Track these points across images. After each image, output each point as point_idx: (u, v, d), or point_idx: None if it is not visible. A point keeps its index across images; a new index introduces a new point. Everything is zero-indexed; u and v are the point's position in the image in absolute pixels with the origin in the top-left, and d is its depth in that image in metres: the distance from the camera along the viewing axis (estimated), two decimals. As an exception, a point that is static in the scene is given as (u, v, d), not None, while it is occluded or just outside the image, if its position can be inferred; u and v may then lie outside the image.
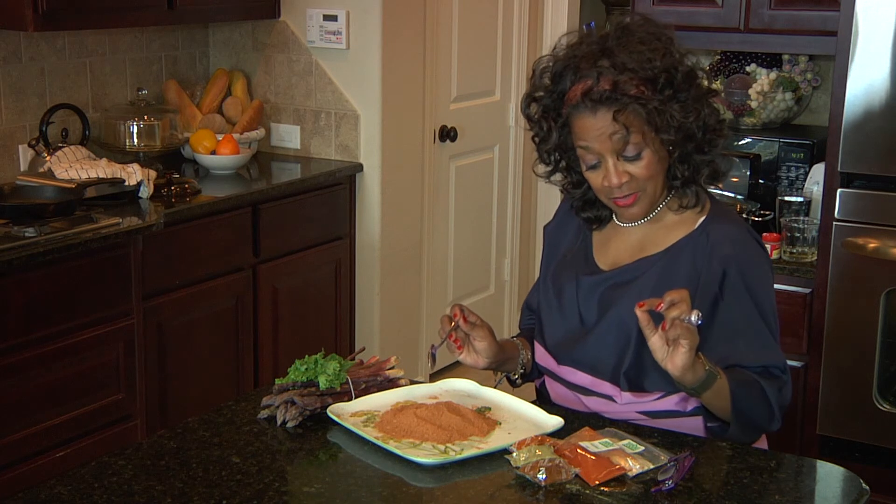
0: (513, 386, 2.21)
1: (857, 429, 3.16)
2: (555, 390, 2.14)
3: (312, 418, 1.97)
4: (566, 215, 2.22)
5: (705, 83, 2.03)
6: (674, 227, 2.06)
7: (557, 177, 2.14)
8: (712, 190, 2.14)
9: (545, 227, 2.28)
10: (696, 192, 2.04)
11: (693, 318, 1.80)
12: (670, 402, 2.01)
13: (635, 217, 2.06)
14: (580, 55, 1.98)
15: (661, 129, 1.95)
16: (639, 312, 1.81)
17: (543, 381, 2.20)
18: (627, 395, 2.02)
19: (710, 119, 2.01)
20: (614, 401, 2.03)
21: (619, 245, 2.10)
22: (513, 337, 2.24)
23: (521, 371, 2.18)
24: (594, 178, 2.02)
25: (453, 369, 4.34)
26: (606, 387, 2.03)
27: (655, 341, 1.82)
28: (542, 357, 2.15)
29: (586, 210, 2.14)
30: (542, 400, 2.17)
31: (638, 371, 2.00)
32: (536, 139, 2.09)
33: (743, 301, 1.98)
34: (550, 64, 2.03)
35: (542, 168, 2.14)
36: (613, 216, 2.13)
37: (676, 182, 2.03)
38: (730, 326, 1.98)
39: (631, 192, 2.00)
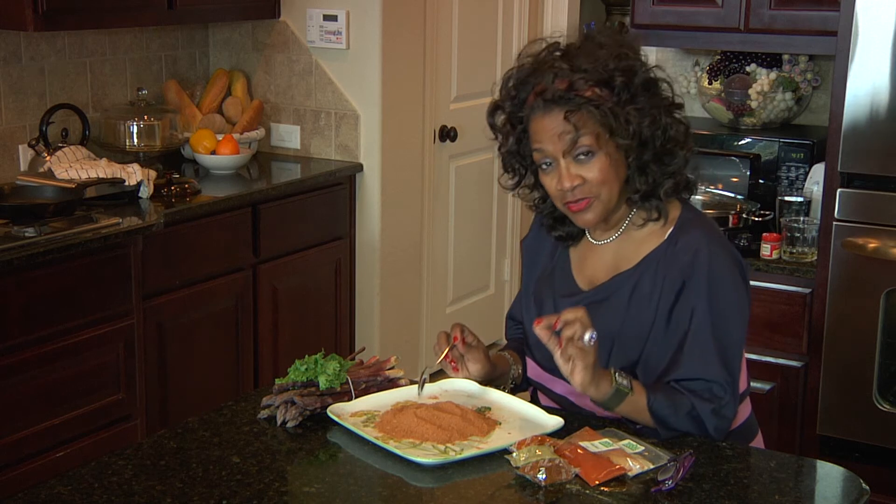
0: None
1: (857, 429, 3.16)
2: (545, 403, 2.15)
3: (312, 418, 1.97)
4: (541, 228, 2.21)
5: (668, 94, 2.01)
6: (644, 240, 2.04)
7: (525, 192, 2.12)
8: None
9: (522, 241, 2.27)
10: (658, 207, 2.01)
11: (586, 337, 1.85)
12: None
13: (589, 224, 2.03)
14: (542, 60, 1.98)
15: (615, 131, 1.93)
16: (537, 330, 1.87)
17: (535, 389, 2.20)
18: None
19: (671, 129, 1.99)
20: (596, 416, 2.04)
21: (594, 263, 2.09)
22: (501, 350, 2.23)
23: (512, 385, 2.18)
24: (548, 182, 2.00)
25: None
26: (589, 401, 2.03)
27: (558, 357, 1.87)
28: (533, 370, 2.16)
29: (557, 228, 2.13)
30: (537, 404, 2.17)
31: None
32: (501, 149, 2.08)
33: (696, 311, 1.96)
34: (515, 72, 2.02)
35: (505, 179, 2.12)
36: (586, 232, 2.12)
37: (635, 196, 2.01)
38: (675, 336, 1.97)
39: (583, 196, 1.97)
